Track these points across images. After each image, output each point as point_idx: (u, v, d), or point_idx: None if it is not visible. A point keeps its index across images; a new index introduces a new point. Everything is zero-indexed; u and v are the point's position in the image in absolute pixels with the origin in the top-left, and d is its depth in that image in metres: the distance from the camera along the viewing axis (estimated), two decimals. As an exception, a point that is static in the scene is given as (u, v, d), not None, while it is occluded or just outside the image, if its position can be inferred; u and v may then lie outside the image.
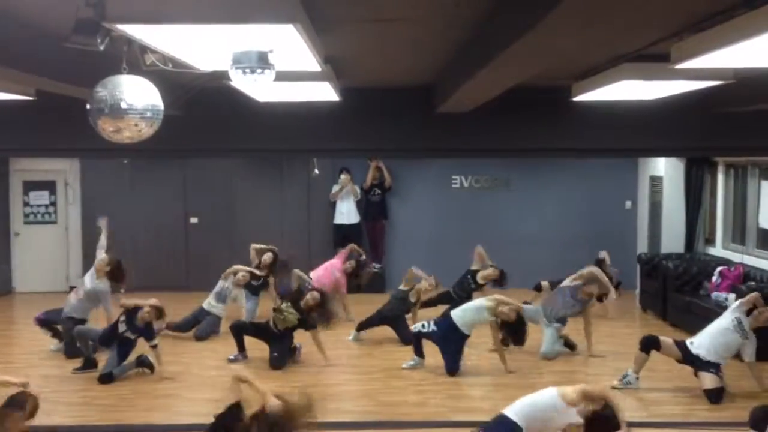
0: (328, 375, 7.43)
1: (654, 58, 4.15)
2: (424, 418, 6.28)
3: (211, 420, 4.55)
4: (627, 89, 4.87)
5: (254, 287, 9.27)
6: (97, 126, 3.18)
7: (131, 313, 7.03)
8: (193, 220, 11.72)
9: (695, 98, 5.46)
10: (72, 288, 11.53)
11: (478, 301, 7.50)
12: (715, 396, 6.49)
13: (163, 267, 11.48)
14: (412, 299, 8.61)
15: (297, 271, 9.29)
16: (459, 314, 7.32)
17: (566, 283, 7.97)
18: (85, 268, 11.64)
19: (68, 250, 11.78)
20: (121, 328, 7.06)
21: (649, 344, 6.78)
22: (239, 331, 7.77)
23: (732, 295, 8.27)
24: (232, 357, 7.72)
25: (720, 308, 8.49)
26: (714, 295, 8.89)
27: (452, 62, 4.78)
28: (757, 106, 5.72)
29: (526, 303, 8.48)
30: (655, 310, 10.01)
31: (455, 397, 6.83)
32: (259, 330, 7.78)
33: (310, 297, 7.54)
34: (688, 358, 6.72)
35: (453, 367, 7.23)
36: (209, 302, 8.83)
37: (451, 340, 7.25)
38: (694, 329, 8.67)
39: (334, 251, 11.79)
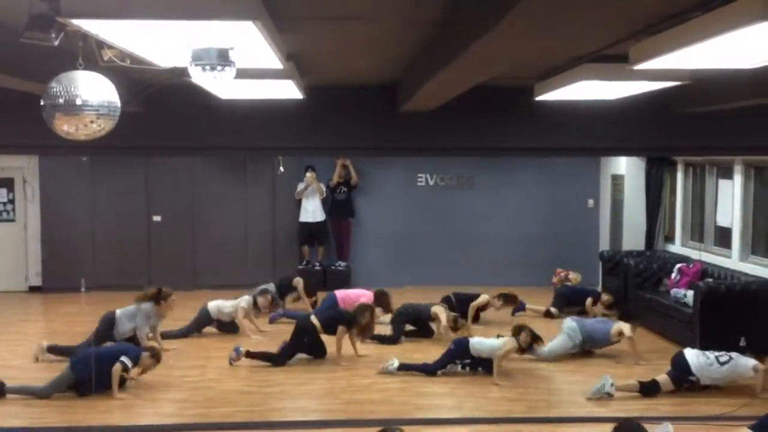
0: (290, 374, 7.40)
1: (614, 59, 4.20)
2: (389, 416, 6.28)
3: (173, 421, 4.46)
4: (588, 89, 4.92)
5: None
6: (51, 123, 3.12)
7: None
8: (156, 218, 11.55)
9: (655, 98, 5.56)
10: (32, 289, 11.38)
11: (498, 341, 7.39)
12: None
13: (125, 266, 11.31)
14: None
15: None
16: (475, 343, 7.35)
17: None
18: (45, 266, 11.47)
19: (27, 249, 11.53)
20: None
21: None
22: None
23: (690, 292, 8.42)
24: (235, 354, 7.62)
25: (678, 304, 8.67)
26: (673, 291, 9.05)
27: (414, 61, 4.79)
28: (713, 106, 5.84)
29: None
30: (617, 307, 10.14)
31: (419, 394, 6.85)
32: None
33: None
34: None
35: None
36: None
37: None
38: (654, 326, 8.87)
39: (299, 249, 11.79)
